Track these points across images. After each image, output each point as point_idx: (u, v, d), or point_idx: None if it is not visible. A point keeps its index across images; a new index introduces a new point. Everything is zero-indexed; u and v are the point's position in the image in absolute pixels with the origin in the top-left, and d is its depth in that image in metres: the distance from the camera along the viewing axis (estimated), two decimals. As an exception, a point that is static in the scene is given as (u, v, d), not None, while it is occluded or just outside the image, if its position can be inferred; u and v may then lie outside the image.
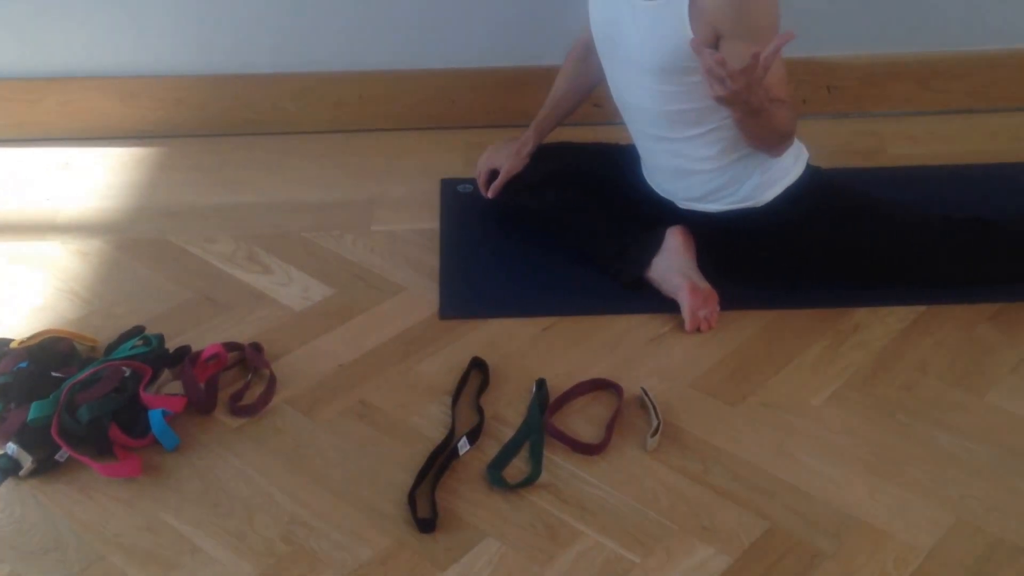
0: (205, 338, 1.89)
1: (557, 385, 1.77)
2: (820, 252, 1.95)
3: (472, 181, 2.25)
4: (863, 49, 2.57)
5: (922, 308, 1.93)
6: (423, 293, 2.03)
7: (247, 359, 1.84)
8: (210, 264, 2.13)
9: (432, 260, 2.13)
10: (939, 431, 1.67)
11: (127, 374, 1.71)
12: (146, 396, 1.68)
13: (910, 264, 1.95)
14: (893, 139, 2.53)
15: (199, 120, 2.60)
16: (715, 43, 1.76)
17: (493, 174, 2.18)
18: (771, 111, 1.72)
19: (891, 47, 2.56)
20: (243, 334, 1.91)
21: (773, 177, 1.90)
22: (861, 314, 1.93)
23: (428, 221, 2.26)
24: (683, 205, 2.01)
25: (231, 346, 1.85)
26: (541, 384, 1.76)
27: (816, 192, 1.92)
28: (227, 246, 2.18)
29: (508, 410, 1.74)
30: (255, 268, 2.12)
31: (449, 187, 2.36)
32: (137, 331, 1.88)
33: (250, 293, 2.04)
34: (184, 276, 2.09)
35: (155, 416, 1.64)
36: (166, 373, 1.78)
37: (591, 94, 2.16)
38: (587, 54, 2.06)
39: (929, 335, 1.87)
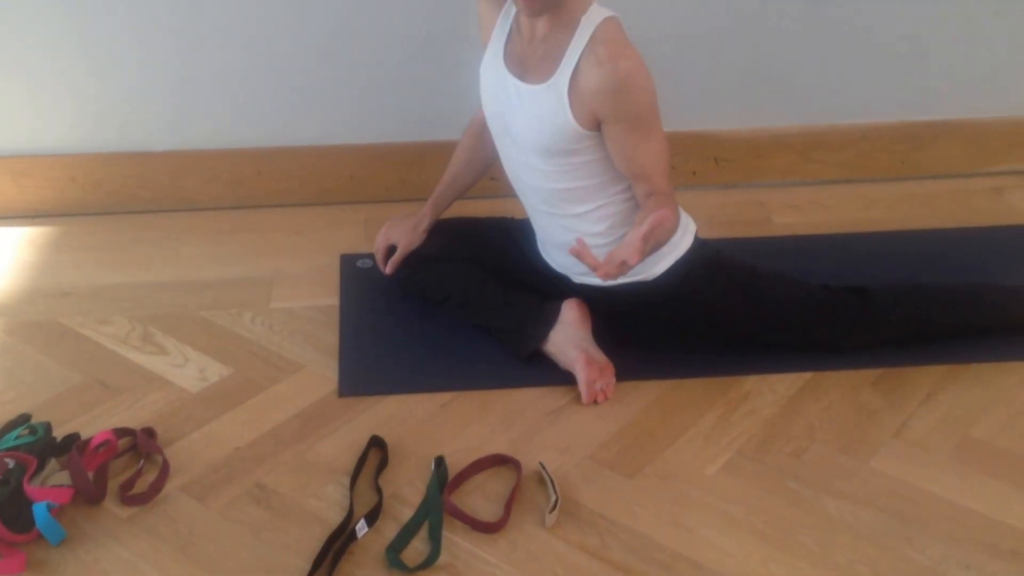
0: (96, 424, 1.85)
1: (456, 462, 1.77)
2: (709, 322, 2.01)
3: (372, 256, 2.26)
4: (748, 123, 2.67)
5: (808, 375, 1.99)
6: (322, 371, 2.02)
7: (139, 445, 1.80)
8: (103, 346, 2.09)
9: (332, 337, 2.12)
10: (828, 497, 1.71)
11: (11, 466, 1.66)
12: (30, 489, 1.63)
13: (794, 332, 2.02)
14: (778, 209, 2.63)
15: (93, 198, 2.57)
16: (597, 126, 1.82)
17: (392, 250, 2.20)
18: (659, 238, 1.75)
19: (774, 121, 2.67)
20: (136, 419, 1.88)
21: (662, 251, 1.94)
22: (751, 382, 1.98)
23: (328, 297, 2.26)
24: (577, 279, 2.05)
25: (122, 432, 1.81)
26: (440, 462, 1.76)
27: (704, 265, 1.98)
28: (121, 327, 2.15)
29: (407, 489, 1.73)
30: (150, 349, 2.09)
31: (349, 263, 2.37)
32: (23, 419, 1.83)
33: (144, 375, 2.01)
34: (75, 360, 2.05)
35: (39, 509, 1.59)
36: (53, 463, 1.73)
37: (488, 170, 2.20)
38: (483, 131, 2.10)
39: (815, 401, 1.93)
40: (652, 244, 1.70)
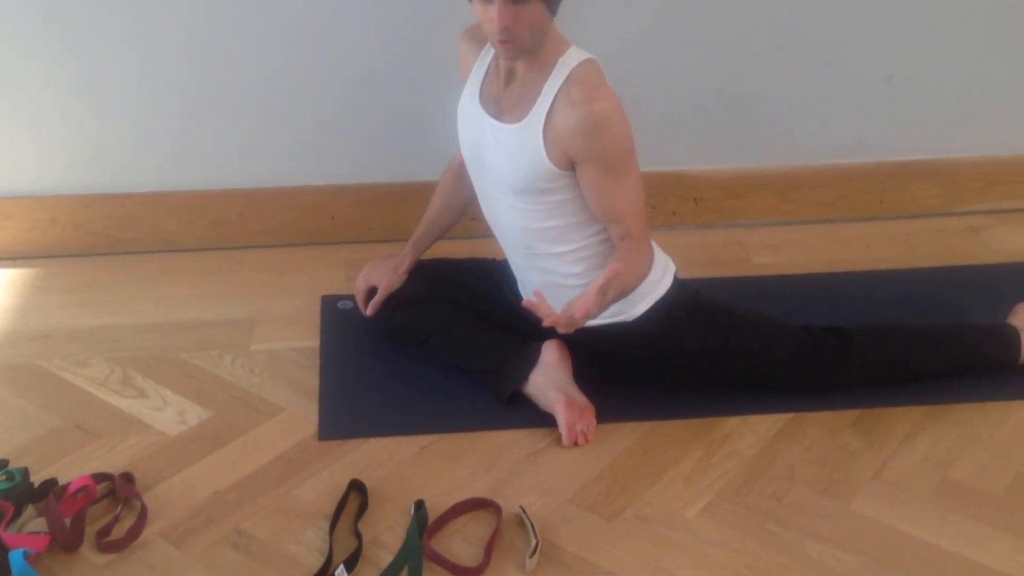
0: (74, 469, 1.84)
1: (437, 505, 1.76)
2: (689, 363, 2.02)
3: (353, 298, 2.27)
4: (726, 163, 2.70)
5: (788, 416, 2.00)
6: (303, 413, 2.02)
7: (117, 490, 1.78)
8: (82, 389, 2.08)
9: (312, 379, 2.12)
10: (809, 540, 1.71)
11: (-13, 513, 1.65)
12: (6, 536, 1.62)
13: (774, 373, 2.03)
14: (757, 248, 2.65)
15: (75, 240, 2.57)
16: (571, 166, 1.84)
17: (372, 291, 2.20)
18: (624, 285, 1.78)
19: (752, 161, 2.71)
20: (115, 463, 1.87)
21: (642, 292, 1.96)
22: (732, 423, 1.99)
23: (309, 339, 2.26)
24: (558, 320, 2.05)
25: (100, 477, 1.80)
26: (420, 505, 1.76)
27: (684, 305, 1.99)
28: (101, 370, 2.14)
29: (387, 533, 1.72)
30: (129, 392, 2.08)
31: (330, 304, 2.37)
32: (0, 465, 1.81)
33: (123, 419, 2.00)
34: (54, 403, 2.04)
35: (15, 557, 1.57)
36: (30, 509, 1.72)
37: (466, 210, 2.21)
38: (461, 172, 2.12)
39: (796, 443, 1.94)
40: (614, 295, 1.72)
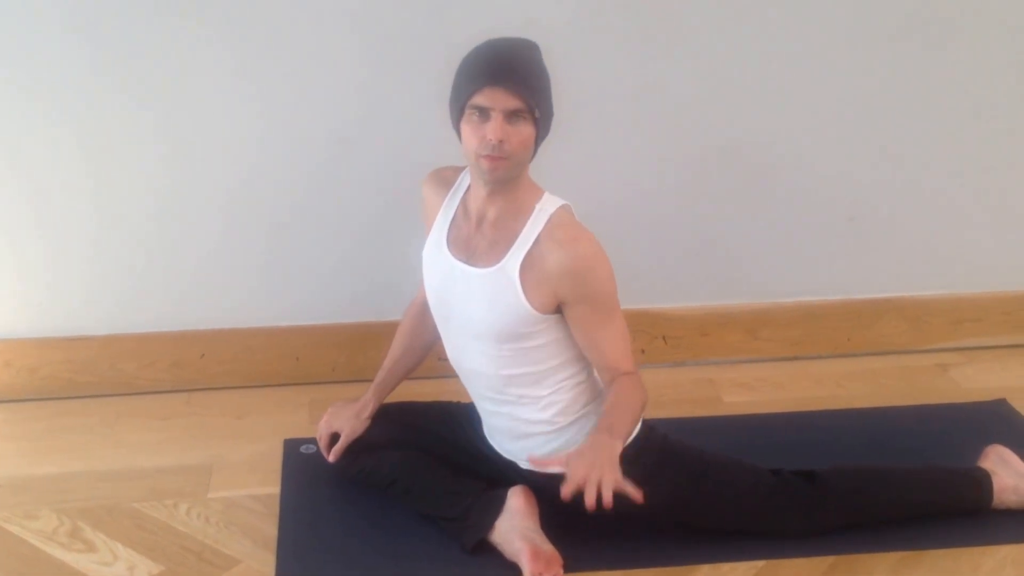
0: (12, 632, 1.75)
1: (396, 666, 1.68)
2: (659, 510, 1.94)
3: (316, 441, 2.21)
4: (695, 301, 2.70)
5: (761, 563, 1.94)
6: (259, 567, 1.94)
7: (57, 655, 1.69)
8: (28, 544, 2.00)
9: (271, 528, 2.05)
10: None
11: None
12: None
13: (745, 519, 1.98)
14: (727, 387, 2.62)
15: (29, 384, 2.51)
16: (553, 309, 1.83)
17: (335, 437, 2.15)
18: (629, 427, 1.82)
19: (721, 299, 2.71)
20: (56, 624, 1.78)
21: (609, 438, 1.93)
22: (704, 571, 1.92)
23: (269, 485, 2.19)
24: (525, 465, 2.00)
25: (40, 641, 1.71)
26: (378, 668, 1.67)
27: (652, 452, 1.95)
28: (49, 522, 2.06)
29: None
30: (77, 546, 1.99)
31: (292, 448, 2.31)
32: (-67, 630, 1.72)
33: (68, 575, 1.90)
34: (-4, 559, 1.95)
35: None
36: None
37: (429, 351, 2.18)
38: (422, 313, 2.10)
39: (769, 592, 1.88)
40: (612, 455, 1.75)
